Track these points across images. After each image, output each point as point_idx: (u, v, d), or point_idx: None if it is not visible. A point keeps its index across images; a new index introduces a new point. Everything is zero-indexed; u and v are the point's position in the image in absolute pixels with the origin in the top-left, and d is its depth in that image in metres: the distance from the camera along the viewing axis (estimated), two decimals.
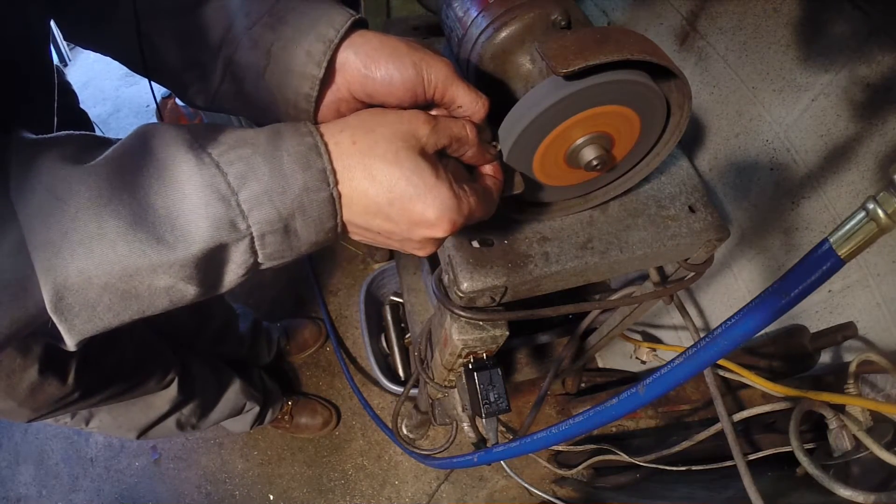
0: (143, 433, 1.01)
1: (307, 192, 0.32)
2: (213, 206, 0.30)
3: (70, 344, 0.30)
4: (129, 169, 0.29)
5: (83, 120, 0.84)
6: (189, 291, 0.32)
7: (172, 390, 0.98)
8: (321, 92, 0.39)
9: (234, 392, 1.20)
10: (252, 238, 0.31)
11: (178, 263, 0.29)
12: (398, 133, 0.34)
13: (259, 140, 0.32)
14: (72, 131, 0.32)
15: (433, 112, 0.39)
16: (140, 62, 0.43)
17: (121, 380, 0.84)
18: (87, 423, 0.91)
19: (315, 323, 1.59)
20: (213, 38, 0.41)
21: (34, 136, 0.30)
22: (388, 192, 0.33)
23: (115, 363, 0.82)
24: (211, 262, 0.31)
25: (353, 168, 0.33)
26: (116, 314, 0.30)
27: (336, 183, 0.33)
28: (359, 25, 0.38)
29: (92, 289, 0.29)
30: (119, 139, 0.31)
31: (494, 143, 0.42)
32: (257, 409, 1.29)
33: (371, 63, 0.37)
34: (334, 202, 0.33)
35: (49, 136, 0.31)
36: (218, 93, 0.43)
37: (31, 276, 0.27)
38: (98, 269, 0.28)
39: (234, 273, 0.33)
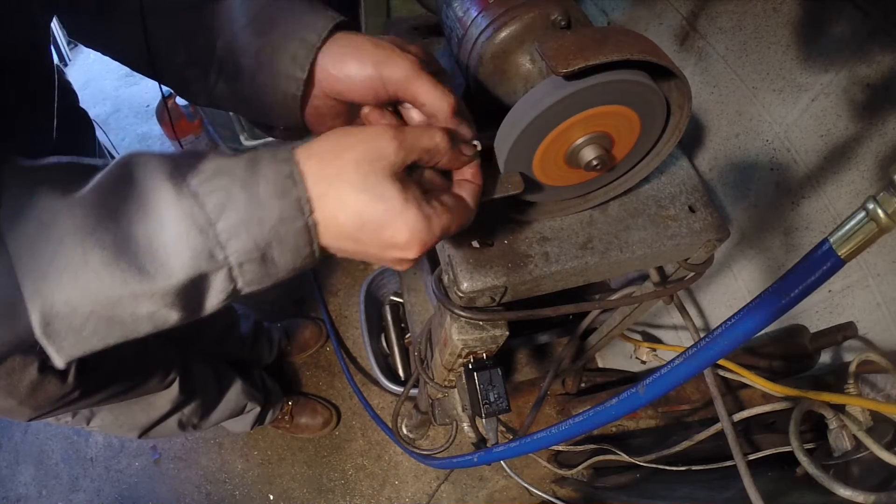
0: (144, 432, 1.01)
1: (283, 223, 0.32)
2: (192, 237, 0.30)
3: (59, 364, 0.31)
4: (113, 198, 0.30)
5: (83, 120, 0.84)
6: (172, 317, 0.32)
7: (174, 390, 0.98)
8: (305, 92, 0.40)
9: (235, 392, 1.20)
10: (230, 267, 0.32)
11: (160, 293, 0.30)
12: (365, 156, 0.34)
13: (238, 168, 0.32)
14: (60, 157, 0.33)
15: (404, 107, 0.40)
16: (142, 60, 0.44)
17: (121, 379, 0.84)
18: (88, 423, 0.91)
19: (315, 323, 1.59)
20: (210, 38, 0.41)
21: (26, 164, 0.31)
22: (358, 219, 0.33)
23: (116, 363, 0.82)
24: (192, 290, 0.32)
25: (325, 196, 0.33)
26: (102, 338, 0.31)
27: (311, 211, 0.33)
28: (342, 27, 0.40)
29: (77, 315, 0.30)
30: (106, 164, 0.32)
31: (475, 143, 0.40)
32: (258, 409, 1.29)
33: (338, 63, 0.39)
34: (310, 230, 0.33)
35: (38, 163, 0.32)
36: (215, 92, 0.43)
37: (20, 301, 0.28)
38: (83, 297, 0.29)
39: (215, 298, 0.33)
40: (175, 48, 0.43)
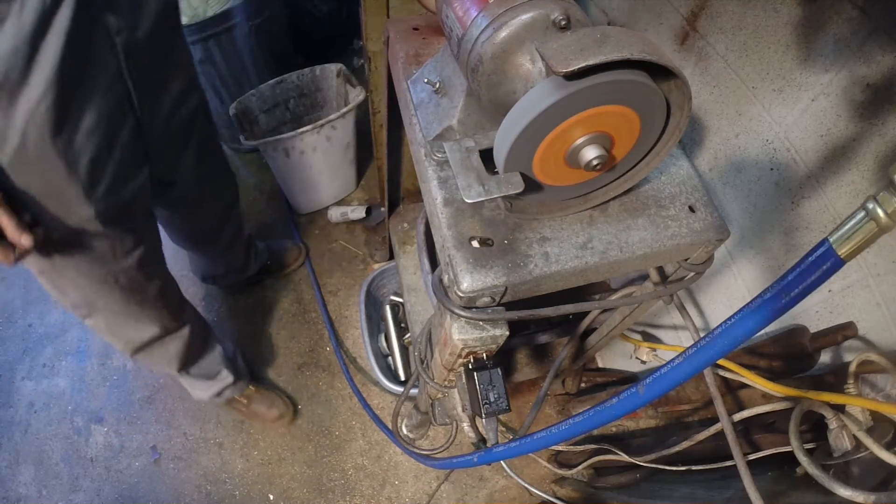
0: (136, 351, 1.07)
1: None
2: None
3: None
4: None
5: None
6: None
7: (166, 317, 1.05)
8: None
9: (216, 354, 1.28)
10: None
11: None
12: None
13: None
14: None
15: None
16: None
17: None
18: (84, 318, 0.94)
19: (297, 247, 1.74)
20: None
21: None
22: None
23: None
24: None
25: None
26: None
27: None
28: None
29: None
30: None
31: None
32: (231, 380, 1.34)
33: None
34: None
35: None
36: None
37: None
38: None
39: None
40: None
